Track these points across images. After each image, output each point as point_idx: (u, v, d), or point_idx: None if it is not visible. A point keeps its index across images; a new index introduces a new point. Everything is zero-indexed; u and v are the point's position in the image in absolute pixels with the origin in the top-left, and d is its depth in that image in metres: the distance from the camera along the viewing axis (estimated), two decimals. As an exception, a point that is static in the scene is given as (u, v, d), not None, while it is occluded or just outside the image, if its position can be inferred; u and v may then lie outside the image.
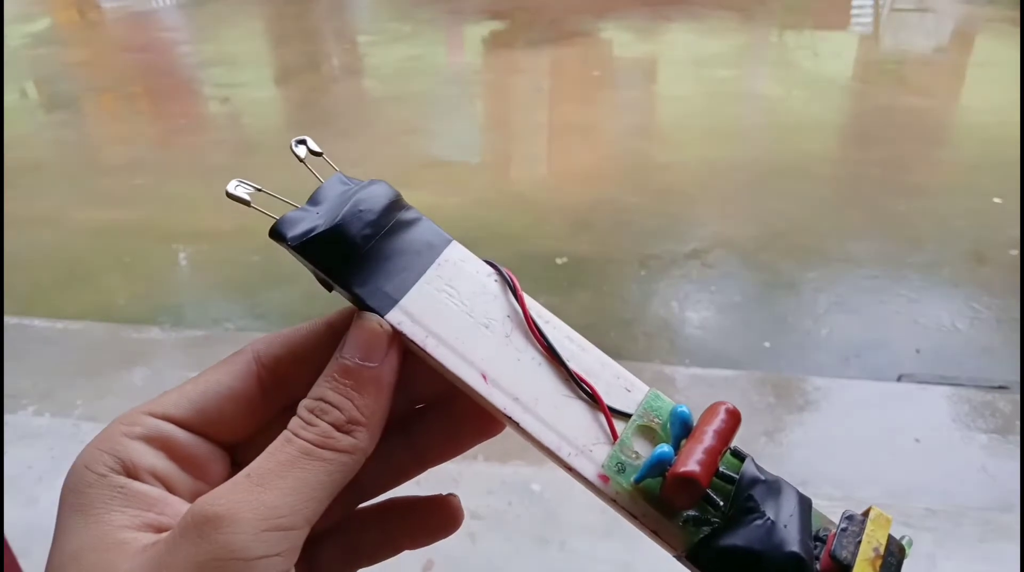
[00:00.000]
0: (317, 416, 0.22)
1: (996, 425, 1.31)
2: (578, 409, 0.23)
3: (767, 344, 1.70)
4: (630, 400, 0.24)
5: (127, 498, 0.21)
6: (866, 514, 0.21)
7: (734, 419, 0.22)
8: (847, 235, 2.13)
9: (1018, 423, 1.31)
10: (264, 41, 4.75)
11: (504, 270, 0.25)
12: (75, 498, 0.21)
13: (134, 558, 0.20)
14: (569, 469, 0.22)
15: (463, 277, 0.25)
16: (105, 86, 3.82)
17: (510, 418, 0.23)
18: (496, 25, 4.64)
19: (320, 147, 0.26)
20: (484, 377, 0.23)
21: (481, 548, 1.09)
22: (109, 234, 2.26)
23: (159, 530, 0.21)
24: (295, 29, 4.82)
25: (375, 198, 0.24)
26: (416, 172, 2.61)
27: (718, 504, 0.21)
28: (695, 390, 1.41)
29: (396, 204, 0.25)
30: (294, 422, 0.22)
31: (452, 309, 0.24)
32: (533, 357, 0.24)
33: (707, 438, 0.21)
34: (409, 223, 0.25)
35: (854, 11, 4.84)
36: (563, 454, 0.22)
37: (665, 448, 0.21)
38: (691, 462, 0.21)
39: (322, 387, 0.22)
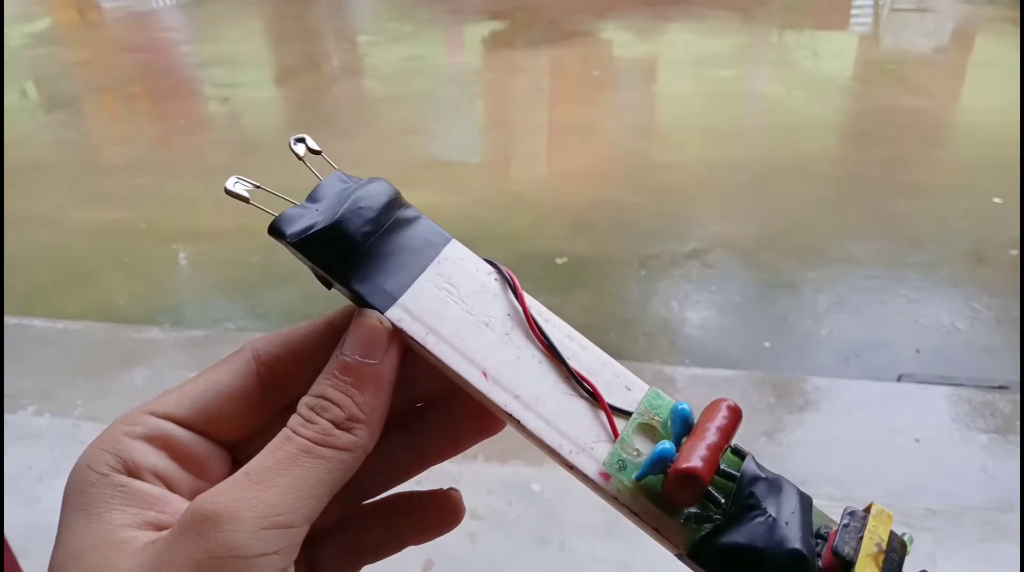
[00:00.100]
0: (317, 413, 0.22)
1: (996, 425, 1.31)
2: (579, 407, 0.23)
3: (767, 344, 1.70)
4: (630, 398, 0.24)
5: (128, 497, 0.21)
6: (867, 510, 0.21)
7: (735, 416, 0.22)
8: (847, 235, 2.13)
9: (1018, 423, 1.31)
10: (264, 41, 4.75)
11: (504, 269, 0.25)
12: (77, 497, 0.21)
13: (134, 556, 0.20)
14: (570, 467, 0.22)
15: (463, 275, 0.25)
16: (105, 86, 3.82)
17: (511, 415, 0.23)
18: (496, 25, 4.64)
19: (319, 146, 0.26)
20: (484, 374, 0.23)
21: (481, 548, 1.09)
22: (109, 234, 2.26)
23: (160, 528, 0.21)
24: (295, 29, 4.82)
25: (375, 195, 0.24)
26: (416, 172, 2.61)
27: (719, 501, 0.21)
28: (695, 390, 1.41)
29: (396, 202, 0.25)
30: (294, 420, 0.22)
31: (452, 307, 0.24)
32: (533, 355, 0.24)
33: (709, 434, 0.21)
34: (408, 221, 0.25)
35: (854, 11, 4.84)
36: (564, 452, 0.22)
37: (667, 444, 0.21)
38: (693, 458, 0.20)
39: (322, 384, 0.22)
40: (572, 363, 0.24)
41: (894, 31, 4.41)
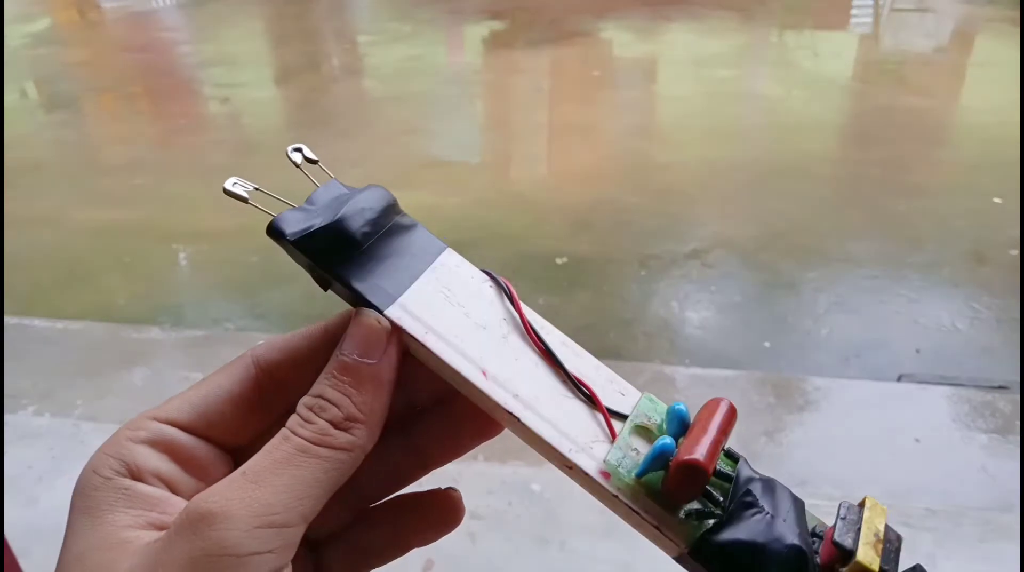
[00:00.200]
0: (315, 413, 0.22)
1: (996, 425, 1.31)
2: (576, 408, 0.24)
3: (767, 344, 1.70)
4: (625, 403, 0.24)
5: (131, 499, 0.21)
6: (862, 505, 0.22)
7: (732, 414, 0.23)
8: (847, 235, 2.13)
9: (1018, 423, 1.31)
10: (264, 41, 4.75)
11: (500, 279, 0.26)
12: (82, 501, 0.22)
13: (134, 555, 0.20)
14: (569, 467, 0.22)
15: (459, 281, 0.25)
16: (105, 86, 3.82)
17: (511, 413, 0.23)
18: (496, 25, 4.64)
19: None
20: (484, 373, 0.23)
21: (481, 548, 1.09)
22: (109, 234, 2.27)
23: (162, 529, 0.21)
24: (295, 29, 4.82)
25: (375, 199, 0.25)
26: (416, 172, 2.61)
27: (718, 499, 0.21)
28: (695, 390, 1.41)
29: (394, 207, 0.25)
30: (292, 420, 0.22)
31: (450, 309, 0.24)
32: (530, 358, 0.24)
33: (709, 428, 0.22)
34: (406, 228, 0.25)
35: (854, 11, 4.84)
36: (564, 450, 0.22)
37: (667, 440, 0.22)
38: (695, 450, 0.21)
39: (321, 384, 0.23)
40: (568, 366, 0.24)
41: (894, 31, 4.41)
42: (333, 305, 0.23)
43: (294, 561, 0.21)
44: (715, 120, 3.04)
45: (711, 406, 0.23)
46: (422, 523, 0.26)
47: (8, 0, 5.12)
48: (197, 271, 2.16)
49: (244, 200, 0.24)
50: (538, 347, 0.24)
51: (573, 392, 0.24)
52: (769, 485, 0.22)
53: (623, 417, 0.24)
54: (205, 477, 0.23)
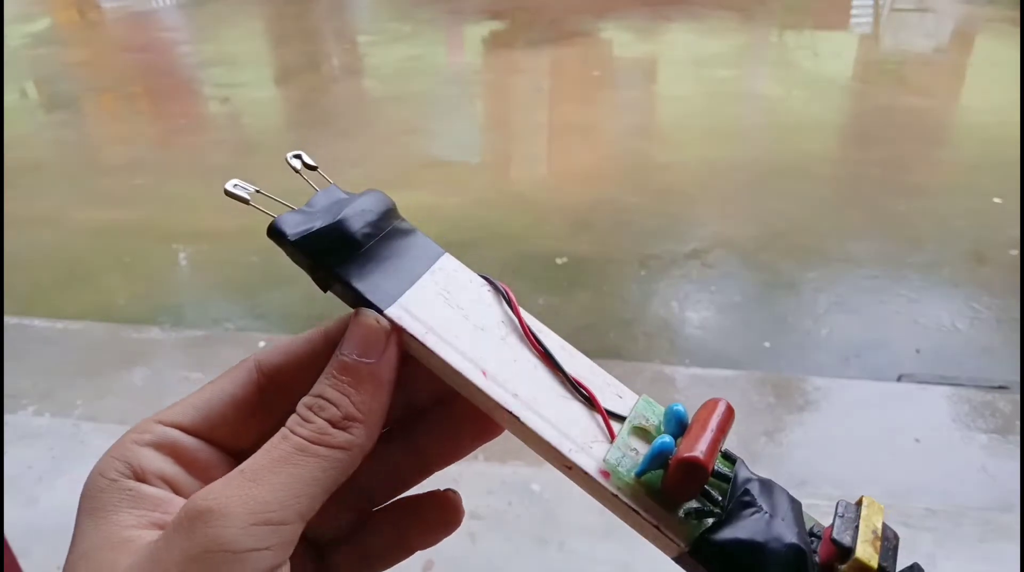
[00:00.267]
0: (314, 413, 0.22)
1: (996, 425, 1.31)
2: (575, 409, 0.24)
3: (767, 344, 1.70)
4: (622, 405, 0.24)
5: (135, 500, 0.22)
6: (859, 503, 0.22)
7: (730, 414, 0.23)
8: (847, 235, 2.13)
9: (1018, 423, 1.31)
10: (264, 41, 4.76)
11: (499, 284, 0.26)
12: (89, 503, 0.22)
13: (136, 554, 0.20)
14: (569, 467, 0.23)
15: (458, 285, 0.25)
16: (105, 86, 3.82)
17: (510, 413, 0.23)
18: (496, 25, 4.64)
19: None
20: (484, 373, 0.23)
21: (481, 548, 1.09)
22: (109, 234, 2.27)
23: (164, 528, 0.22)
24: (295, 29, 4.82)
25: (374, 202, 0.25)
26: (416, 172, 2.61)
27: (717, 499, 0.22)
28: (695, 390, 1.41)
29: (393, 211, 0.26)
30: (292, 419, 0.22)
31: (449, 311, 0.24)
32: (529, 360, 0.24)
33: (708, 427, 0.22)
34: (404, 232, 0.26)
35: (854, 11, 4.84)
36: (564, 449, 0.23)
37: (666, 438, 0.22)
38: (695, 448, 0.21)
39: (321, 384, 0.23)
40: (566, 368, 0.24)
41: (894, 31, 4.41)
42: (333, 306, 0.23)
43: (297, 562, 0.21)
44: (715, 120, 3.04)
45: (709, 406, 0.23)
46: (422, 525, 0.27)
47: (8, 0, 5.12)
48: (197, 271, 2.16)
49: (245, 201, 0.25)
50: (536, 349, 0.25)
51: (572, 393, 0.24)
52: (767, 485, 0.22)
53: (621, 419, 0.24)
54: (208, 478, 0.24)
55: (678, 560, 0.22)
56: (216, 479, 0.24)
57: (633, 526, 0.22)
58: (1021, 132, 2.58)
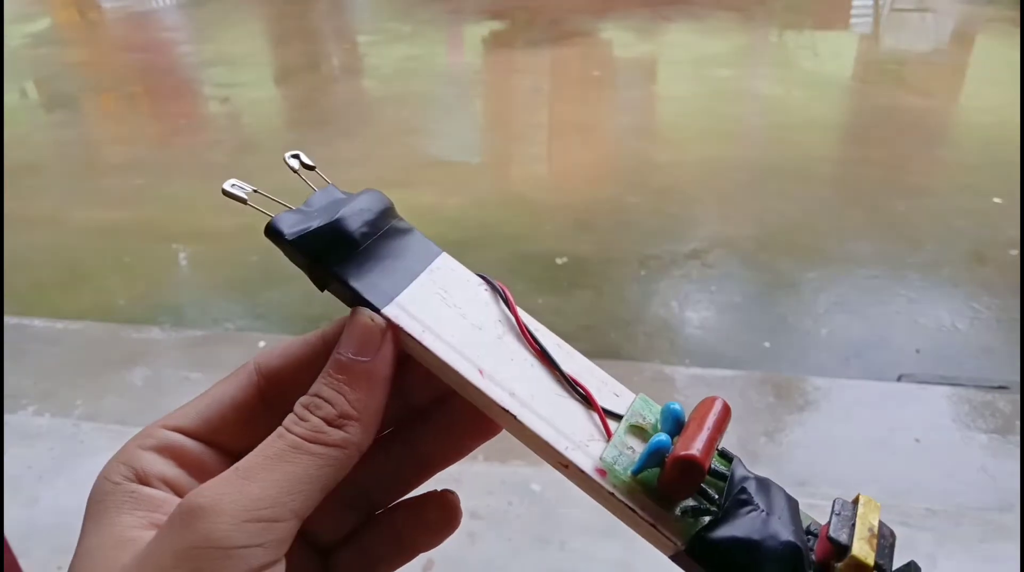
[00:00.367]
0: (311, 411, 0.22)
1: (996, 425, 1.31)
2: (571, 408, 0.24)
3: (767, 344, 1.70)
4: (619, 404, 0.24)
5: (137, 502, 0.22)
6: (856, 501, 0.22)
7: (727, 412, 0.23)
8: (847, 235, 2.13)
9: (1018, 423, 1.31)
10: (264, 41, 4.75)
11: (496, 283, 0.26)
12: (94, 506, 0.23)
13: (135, 553, 0.21)
14: (565, 465, 0.23)
15: (455, 284, 0.25)
16: (105, 86, 3.82)
17: (507, 411, 0.23)
18: (496, 25, 4.64)
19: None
20: (481, 372, 0.23)
21: (481, 548, 1.09)
22: (109, 234, 2.27)
23: None
24: (295, 29, 4.82)
25: (372, 202, 0.25)
26: (416, 172, 2.61)
27: (714, 497, 0.22)
28: (695, 390, 1.41)
29: (391, 211, 0.26)
30: (288, 418, 0.23)
31: (446, 310, 0.25)
32: (526, 358, 0.24)
33: (704, 426, 0.22)
34: (402, 231, 0.26)
35: (854, 11, 4.84)
36: (560, 448, 0.23)
37: (663, 436, 0.22)
38: (691, 446, 0.21)
39: (318, 384, 0.23)
40: (563, 367, 0.24)
41: (894, 31, 4.41)
42: (333, 305, 0.23)
43: (300, 565, 0.22)
44: (715, 120, 3.04)
45: (706, 404, 0.23)
46: (421, 526, 0.27)
47: (8, 0, 5.12)
48: (197, 271, 2.16)
49: (243, 201, 0.25)
50: (533, 348, 0.25)
51: (568, 392, 0.24)
52: (763, 484, 0.22)
53: (618, 417, 0.24)
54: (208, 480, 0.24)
55: (675, 558, 0.22)
56: None
57: (629, 524, 0.22)
58: (1021, 132, 2.58)
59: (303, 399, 0.23)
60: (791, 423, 1.33)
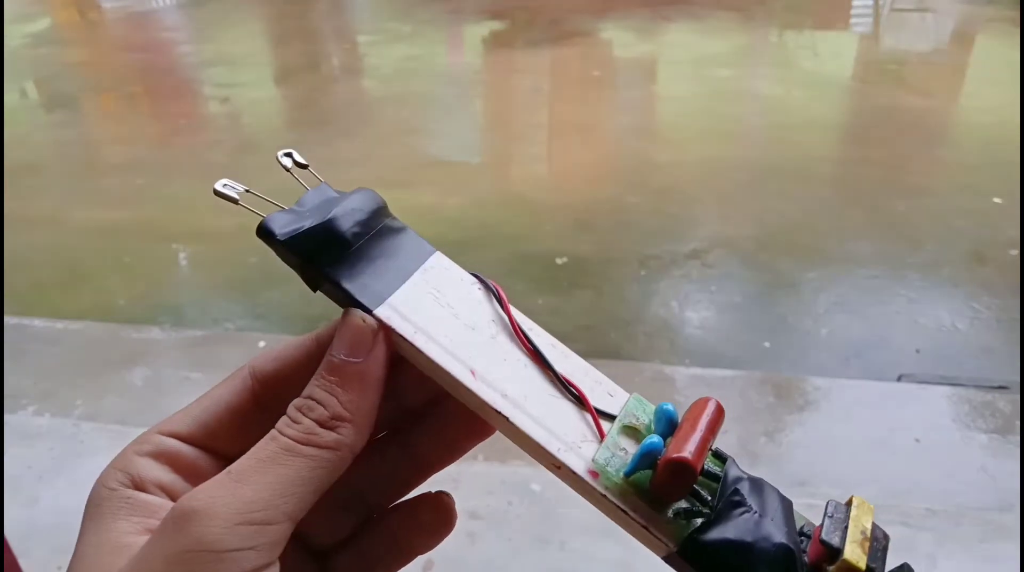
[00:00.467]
0: (303, 413, 0.22)
1: (996, 425, 1.31)
2: (565, 408, 0.24)
3: (767, 344, 1.70)
4: (613, 404, 0.24)
5: (132, 507, 0.22)
6: (849, 504, 0.22)
7: (720, 413, 0.23)
8: (847, 235, 2.13)
9: (1018, 423, 1.31)
10: (264, 41, 4.75)
11: (490, 282, 0.26)
12: (91, 511, 0.23)
13: (130, 557, 0.21)
14: (558, 466, 0.23)
15: (448, 283, 0.25)
16: (105, 86, 3.82)
17: (499, 413, 0.23)
18: (496, 25, 4.64)
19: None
20: (473, 373, 0.23)
21: (481, 548, 1.09)
22: (109, 234, 2.27)
23: None
24: (295, 29, 4.82)
25: (365, 201, 0.25)
26: (416, 172, 2.61)
27: (706, 498, 0.21)
28: (695, 390, 1.41)
29: (384, 210, 0.25)
30: (281, 421, 0.23)
31: (439, 310, 0.24)
32: (519, 359, 0.24)
33: (697, 427, 0.22)
34: (395, 230, 0.26)
35: (854, 11, 4.84)
36: (552, 449, 0.22)
37: (655, 438, 0.22)
38: (683, 448, 0.21)
39: (311, 386, 0.23)
40: (556, 368, 0.24)
41: (894, 31, 4.41)
42: (333, 305, 0.23)
43: (298, 568, 0.21)
44: (715, 120, 3.04)
45: (699, 405, 0.23)
46: (418, 528, 0.27)
47: (8, 0, 5.12)
48: (197, 271, 2.16)
49: (234, 201, 0.25)
50: (526, 348, 0.25)
51: (561, 392, 0.24)
52: (757, 484, 0.22)
53: (611, 417, 0.24)
54: None
55: (667, 560, 0.22)
56: None
57: (622, 526, 0.22)
58: (1021, 132, 2.58)
59: (296, 401, 0.23)
60: (791, 423, 1.33)
